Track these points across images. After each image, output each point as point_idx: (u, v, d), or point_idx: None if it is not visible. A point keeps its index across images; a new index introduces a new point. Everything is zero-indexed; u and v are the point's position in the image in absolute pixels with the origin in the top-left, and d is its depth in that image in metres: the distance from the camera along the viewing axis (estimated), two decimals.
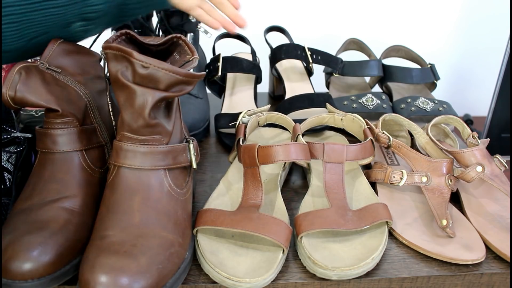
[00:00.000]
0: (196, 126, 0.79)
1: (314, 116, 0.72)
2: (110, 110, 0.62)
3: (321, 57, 0.89)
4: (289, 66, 0.96)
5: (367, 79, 1.02)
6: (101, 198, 0.52)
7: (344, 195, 0.58)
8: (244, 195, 0.57)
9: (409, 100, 0.86)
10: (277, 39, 0.97)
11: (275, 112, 0.71)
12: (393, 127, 0.78)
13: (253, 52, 0.91)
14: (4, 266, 0.45)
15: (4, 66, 0.74)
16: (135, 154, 0.50)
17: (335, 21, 1.17)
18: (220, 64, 0.84)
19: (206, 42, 0.89)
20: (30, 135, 0.64)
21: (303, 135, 0.67)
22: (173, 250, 0.48)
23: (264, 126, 0.73)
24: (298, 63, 0.97)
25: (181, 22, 0.83)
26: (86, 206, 0.53)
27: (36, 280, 0.45)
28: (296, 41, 0.94)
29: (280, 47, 0.88)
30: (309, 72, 0.93)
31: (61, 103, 0.54)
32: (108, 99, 0.62)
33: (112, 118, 0.62)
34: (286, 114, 0.72)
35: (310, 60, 0.88)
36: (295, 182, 0.71)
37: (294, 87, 0.89)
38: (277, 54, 0.88)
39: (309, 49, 0.88)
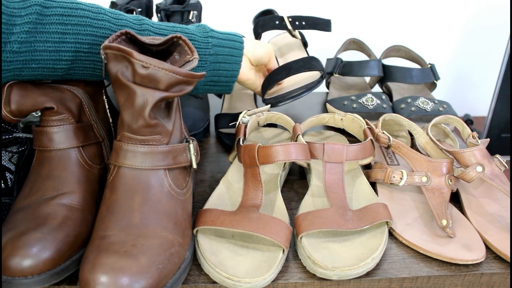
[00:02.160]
0: (196, 126, 0.79)
1: (314, 116, 0.72)
2: (107, 107, 0.62)
3: (306, 22, 0.84)
4: (280, 43, 0.91)
5: (367, 79, 1.02)
6: (100, 194, 0.52)
7: (344, 195, 0.58)
8: (244, 195, 0.57)
9: (409, 100, 0.86)
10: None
11: (275, 112, 0.71)
12: (393, 127, 0.78)
13: None
14: (3, 263, 0.45)
15: None
16: (135, 154, 0.50)
17: (335, 21, 1.16)
18: None
19: None
20: (31, 136, 0.64)
21: (303, 135, 0.67)
22: (173, 250, 0.48)
23: (264, 126, 0.73)
24: (289, 39, 0.91)
25: (181, 22, 0.83)
26: (85, 202, 0.53)
27: (36, 276, 0.45)
28: None
29: (257, 22, 0.84)
30: (305, 44, 0.89)
31: (56, 101, 0.54)
32: (104, 97, 0.62)
33: (109, 115, 0.62)
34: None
35: (290, 27, 0.83)
36: (295, 182, 0.71)
37: (287, 60, 0.83)
38: (254, 31, 0.84)
39: (290, 16, 0.84)
